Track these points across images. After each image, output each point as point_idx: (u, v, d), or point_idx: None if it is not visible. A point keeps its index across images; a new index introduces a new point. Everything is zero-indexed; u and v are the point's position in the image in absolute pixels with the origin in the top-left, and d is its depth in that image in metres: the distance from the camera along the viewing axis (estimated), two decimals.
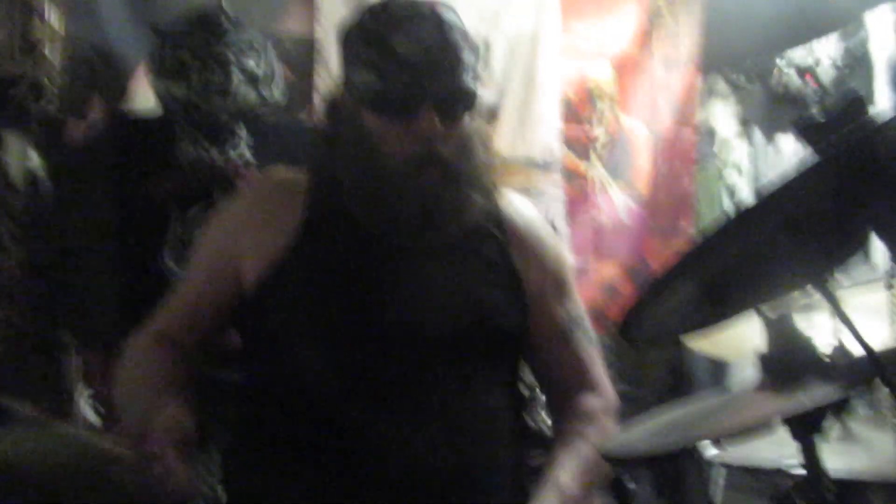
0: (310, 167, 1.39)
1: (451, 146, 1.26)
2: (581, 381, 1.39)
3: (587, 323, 1.43)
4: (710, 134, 3.43)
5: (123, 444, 1.10)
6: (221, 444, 1.58)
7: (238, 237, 1.34)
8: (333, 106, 1.36)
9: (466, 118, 1.29)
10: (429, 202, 1.25)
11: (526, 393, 1.50)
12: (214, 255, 1.38)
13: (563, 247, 1.52)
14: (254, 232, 1.32)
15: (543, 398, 1.51)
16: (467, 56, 1.27)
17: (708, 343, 2.01)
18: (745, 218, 0.90)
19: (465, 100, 1.28)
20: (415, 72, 1.23)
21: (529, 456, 1.40)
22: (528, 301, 1.35)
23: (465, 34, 1.28)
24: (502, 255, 1.36)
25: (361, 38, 1.27)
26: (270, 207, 1.34)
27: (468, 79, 1.26)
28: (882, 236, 1.03)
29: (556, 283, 1.40)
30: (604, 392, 1.40)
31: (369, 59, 1.25)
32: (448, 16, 1.27)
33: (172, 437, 1.12)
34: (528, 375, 1.45)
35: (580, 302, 1.44)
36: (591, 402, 1.37)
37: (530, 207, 1.46)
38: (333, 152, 1.33)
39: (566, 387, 1.39)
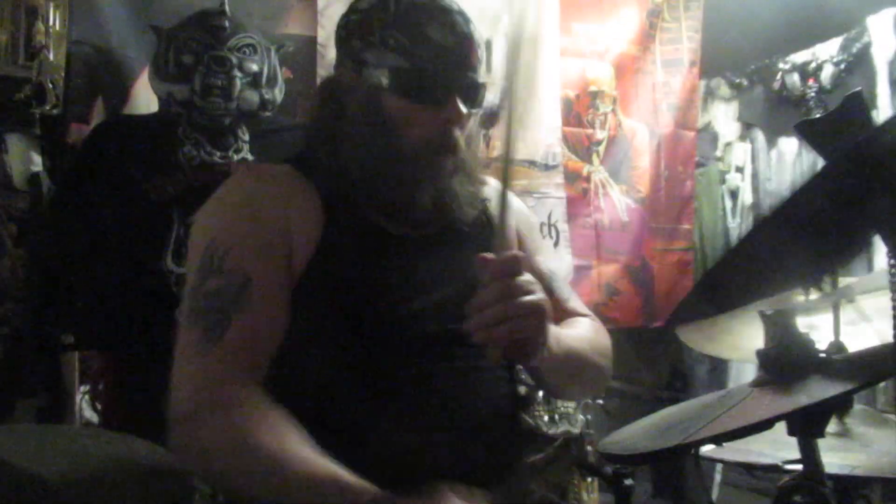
0: (304, 159, 1.35)
1: (463, 137, 1.28)
2: (571, 317, 1.44)
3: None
4: (711, 136, 3.43)
5: None
6: None
7: (285, 218, 1.23)
8: (339, 88, 1.31)
9: (475, 113, 1.31)
10: (442, 188, 1.27)
11: (523, 391, 1.51)
12: (270, 240, 1.21)
13: (531, 214, 1.59)
14: (294, 215, 1.24)
15: (540, 396, 1.52)
16: (482, 52, 1.30)
17: (708, 343, 2.01)
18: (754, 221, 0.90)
19: (482, 93, 1.30)
20: (448, 60, 1.24)
21: (526, 453, 1.41)
22: None
23: (476, 31, 1.30)
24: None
25: (390, 23, 1.26)
26: (298, 196, 1.26)
27: (482, 73, 1.29)
28: (883, 236, 1.03)
29: (536, 246, 1.47)
30: (594, 320, 1.46)
31: (401, 44, 1.24)
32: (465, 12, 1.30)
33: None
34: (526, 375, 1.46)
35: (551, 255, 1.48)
36: (583, 319, 1.44)
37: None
38: (337, 138, 1.29)
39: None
